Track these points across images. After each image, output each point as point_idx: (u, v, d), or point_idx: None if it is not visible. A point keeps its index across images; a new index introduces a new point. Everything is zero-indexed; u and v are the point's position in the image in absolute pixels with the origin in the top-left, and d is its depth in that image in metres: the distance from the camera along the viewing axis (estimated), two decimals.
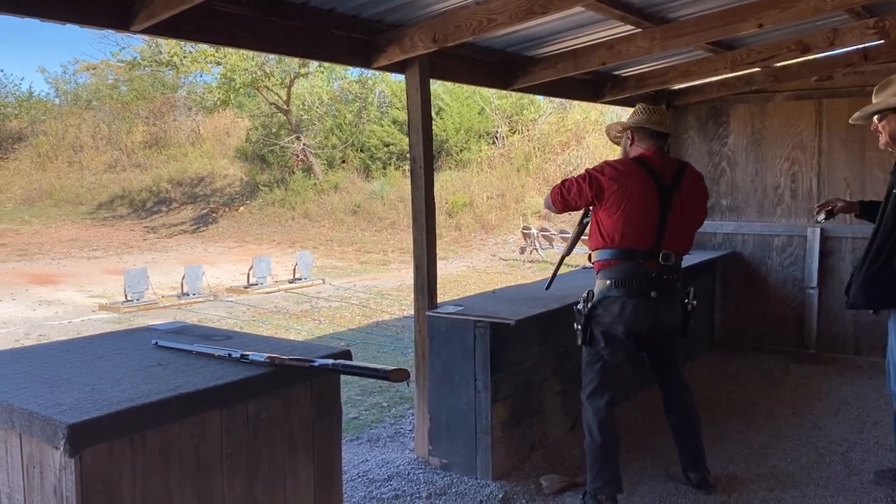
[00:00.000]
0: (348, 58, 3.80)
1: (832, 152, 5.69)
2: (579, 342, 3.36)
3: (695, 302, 3.48)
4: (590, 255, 3.41)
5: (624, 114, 3.58)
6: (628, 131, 3.43)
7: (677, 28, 3.99)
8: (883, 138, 3.18)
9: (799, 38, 4.52)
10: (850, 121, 3.36)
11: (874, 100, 3.19)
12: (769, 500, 3.44)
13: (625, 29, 4.09)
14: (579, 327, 3.32)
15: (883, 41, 4.57)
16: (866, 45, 4.81)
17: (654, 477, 3.68)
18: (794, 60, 5.16)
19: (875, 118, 3.20)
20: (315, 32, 3.46)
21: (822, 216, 3.73)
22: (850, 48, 4.90)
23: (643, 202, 3.21)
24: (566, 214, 5.49)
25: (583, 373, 3.43)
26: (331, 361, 2.17)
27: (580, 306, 3.32)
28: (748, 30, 3.89)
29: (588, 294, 3.32)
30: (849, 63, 5.20)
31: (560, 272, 3.92)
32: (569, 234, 14.43)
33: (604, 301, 3.27)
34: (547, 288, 3.91)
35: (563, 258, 3.84)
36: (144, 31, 2.87)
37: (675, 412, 3.54)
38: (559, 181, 3.45)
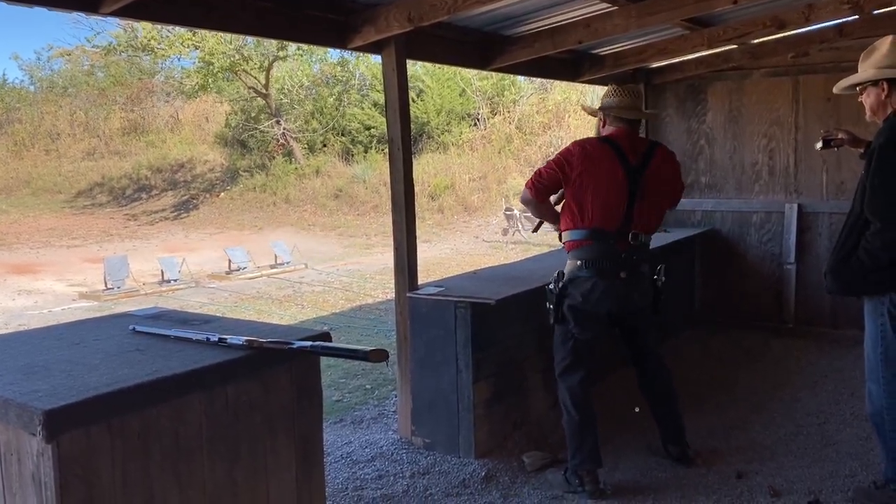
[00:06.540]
0: (323, 39, 3.78)
1: (809, 128, 5.72)
2: (551, 321, 3.40)
3: (664, 278, 3.51)
4: (560, 235, 3.42)
5: (603, 93, 3.58)
6: (601, 111, 3.43)
7: (652, 5, 3.98)
8: (866, 111, 3.05)
9: (774, 14, 4.53)
10: (834, 90, 3.26)
11: (859, 69, 3.05)
12: (748, 472, 3.49)
13: (601, 6, 4.08)
14: (551, 306, 3.37)
15: (858, 17, 4.59)
16: (841, 20, 4.83)
17: (635, 452, 3.73)
18: (771, 37, 5.17)
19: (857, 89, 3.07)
20: (289, 14, 3.42)
21: (819, 144, 3.52)
22: (826, 24, 4.92)
23: (609, 182, 3.22)
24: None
25: (555, 351, 3.47)
26: (309, 344, 2.17)
27: (551, 286, 3.37)
28: (723, 6, 3.90)
29: (558, 274, 3.36)
30: (824, 39, 5.22)
31: (543, 252, 3.93)
32: None
33: (574, 281, 3.30)
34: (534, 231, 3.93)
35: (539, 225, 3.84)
36: (114, 14, 2.82)
37: (649, 388, 3.58)
38: (531, 176, 3.39)
